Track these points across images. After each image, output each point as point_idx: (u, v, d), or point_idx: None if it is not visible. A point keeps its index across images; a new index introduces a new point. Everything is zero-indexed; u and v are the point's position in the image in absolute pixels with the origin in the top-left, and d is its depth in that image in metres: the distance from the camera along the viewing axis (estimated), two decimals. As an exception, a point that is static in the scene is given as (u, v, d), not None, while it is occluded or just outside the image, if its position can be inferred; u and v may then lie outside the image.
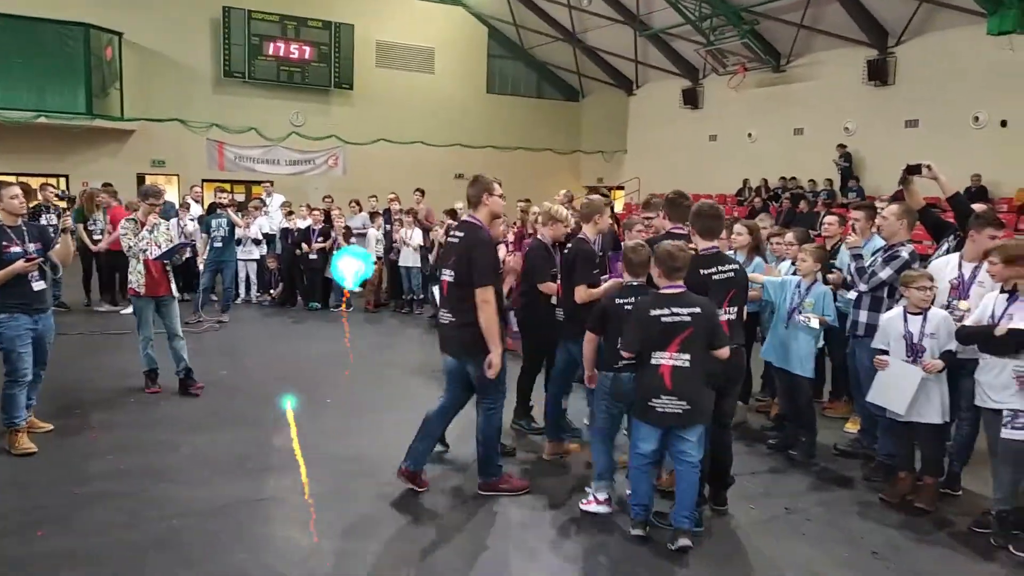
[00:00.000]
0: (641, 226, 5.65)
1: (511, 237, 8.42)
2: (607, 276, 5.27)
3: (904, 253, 4.97)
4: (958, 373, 4.56)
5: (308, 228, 11.40)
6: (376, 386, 7.26)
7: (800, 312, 5.28)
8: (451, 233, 4.65)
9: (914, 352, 4.54)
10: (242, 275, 11.72)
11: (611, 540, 4.12)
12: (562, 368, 5.25)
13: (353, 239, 11.32)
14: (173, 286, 6.63)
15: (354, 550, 3.93)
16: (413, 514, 4.39)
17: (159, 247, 6.50)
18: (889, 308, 4.90)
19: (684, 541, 3.94)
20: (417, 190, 12.52)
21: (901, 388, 4.55)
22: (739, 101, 20.02)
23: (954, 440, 4.82)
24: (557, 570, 3.83)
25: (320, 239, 11.27)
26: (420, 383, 7.28)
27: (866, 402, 4.94)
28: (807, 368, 5.30)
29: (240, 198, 16.83)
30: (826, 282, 5.55)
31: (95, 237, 10.25)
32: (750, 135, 20.24)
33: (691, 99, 21.67)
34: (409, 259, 11.16)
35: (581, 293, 4.88)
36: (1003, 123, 14.81)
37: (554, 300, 5.37)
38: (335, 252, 10.73)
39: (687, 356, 3.95)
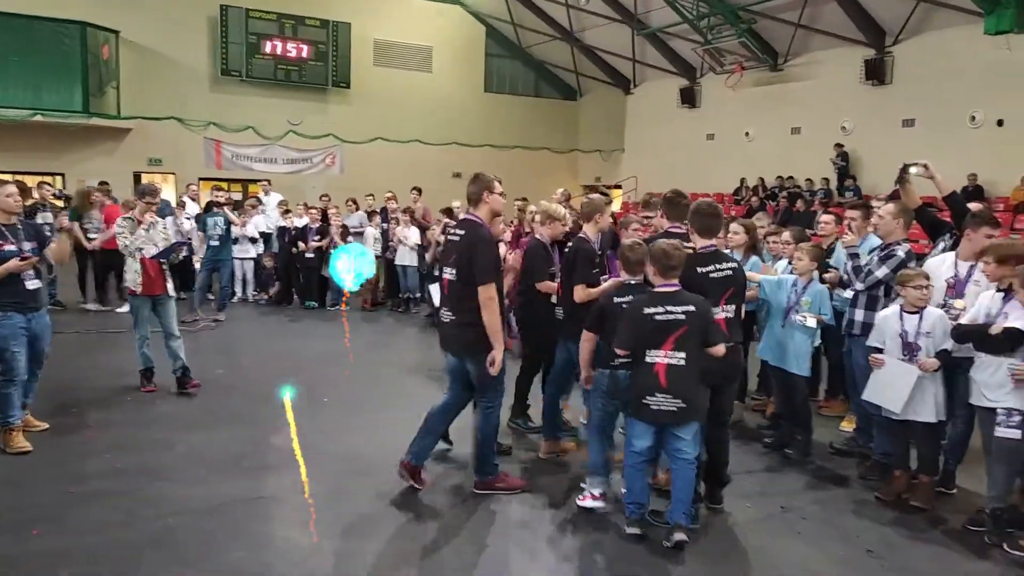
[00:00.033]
0: (638, 224, 5.65)
1: (508, 236, 8.42)
2: (607, 276, 5.27)
3: (900, 252, 4.97)
4: (953, 372, 4.57)
5: (305, 227, 11.39)
6: (373, 385, 7.26)
7: (797, 311, 5.29)
8: (451, 231, 4.64)
9: (910, 351, 4.55)
10: (239, 274, 11.70)
11: (608, 538, 4.12)
12: (561, 367, 5.25)
13: (350, 238, 11.32)
14: (170, 285, 6.61)
15: (352, 549, 3.93)
16: (411, 513, 4.39)
17: (156, 246, 6.48)
18: (885, 307, 4.91)
19: (679, 535, 3.94)
20: (414, 189, 12.51)
21: (897, 387, 4.56)
22: (736, 100, 20.03)
23: (949, 438, 4.83)
24: (555, 568, 3.84)
25: (317, 238, 11.26)
26: (417, 382, 7.28)
27: (862, 401, 4.95)
28: (803, 367, 5.31)
29: (237, 197, 16.80)
30: (823, 281, 5.55)
31: (90, 235, 10.23)
32: (747, 134, 20.25)
33: (688, 98, 21.67)
34: (406, 258, 11.16)
35: (580, 292, 4.88)
36: (999, 122, 14.82)
37: (554, 299, 5.37)
38: (333, 251, 10.72)
39: (682, 354, 3.96)
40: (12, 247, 5.06)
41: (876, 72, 16.68)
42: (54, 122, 17.86)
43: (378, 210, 12.32)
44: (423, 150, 22.72)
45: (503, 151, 23.69)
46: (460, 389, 4.68)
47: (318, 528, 4.17)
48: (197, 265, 10.60)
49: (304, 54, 21.25)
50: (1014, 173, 14.35)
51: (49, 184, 10.96)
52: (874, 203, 6.25)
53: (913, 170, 5.24)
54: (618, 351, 4.14)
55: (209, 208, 11.06)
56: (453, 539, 4.10)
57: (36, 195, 9.99)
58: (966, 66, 15.01)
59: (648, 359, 4.01)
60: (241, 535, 4.04)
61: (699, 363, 4.01)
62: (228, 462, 5.04)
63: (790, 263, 5.74)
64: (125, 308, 8.90)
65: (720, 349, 4.03)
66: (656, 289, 4.08)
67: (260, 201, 12.63)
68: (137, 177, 19.16)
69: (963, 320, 4.41)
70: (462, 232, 4.47)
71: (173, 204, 12.21)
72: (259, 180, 17.28)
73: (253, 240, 11.58)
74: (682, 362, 3.97)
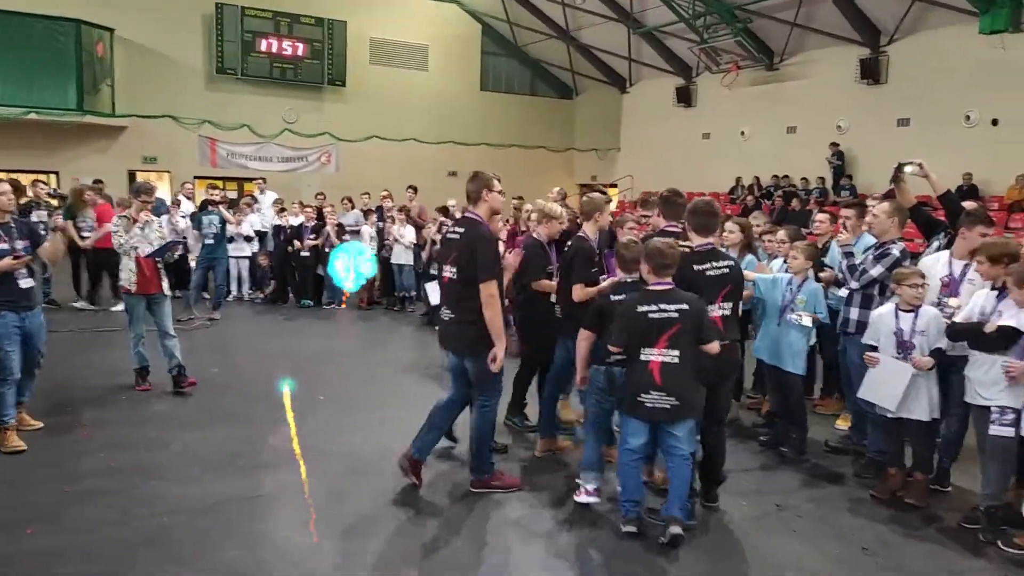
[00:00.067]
0: (633, 223, 5.66)
1: (504, 235, 8.42)
2: (605, 276, 5.27)
3: (895, 251, 4.98)
4: (948, 370, 4.58)
5: (300, 225, 11.37)
6: (369, 384, 7.25)
7: (792, 310, 5.30)
8: (451, 230, 4.64)
9: (904, 349, 4.56)
10: (234, 272, 11.67)
11: (605, 536, 4.13)
12: (561, 366, 5.24)
13: (346, 236, 11.30)
14: (165, 284, 6.60)
15: (351, 548, 3.93)
16: (409, 511, 4.39)
17: (151, 244, 6.47)
18: (880, 305, 4.92)
19: (675, 529, 3.95)
20: (410, 187, 12.50)
21: (891, 385, 4.57)
22: (732, 99, 20.04)
23: (943, 437, 4.85)
24: (552, 567, 3.83)
25: (312, 236, 11.24)
26: (413, 380, 7.28)
27: (857, 399, 4.96)
28: (799, 365, 5.32)
29: (232, 195, 16.75)
30: (818, 279, 5.56)
31: (83, 234, 10.19)
32: (743, 133, 20.27)
33: (684, 97, 21.69)
34: (402, 257, 11.14)
35: (578, 292, 4.87)
36: (994, 122, 14.86)
37: (553, 298, 5.37)
38: (331, 251, 10.69)
39: (676, 352, 3.97)
40: (5, 245, 5.04)
41: (871, 71, 16.71)
42: (48, 120, 17.79)
43: (374, 208, 12.30)
44: (419, 148, 22.70)
45: (499, 150, 23.67)
46: (463, 386, 4.68)
47: (315, 527, 4.16)
48: (192, 264, 10.57)
49: (300, 52, 21.20)
50: (1008, 172, 14.40)
51: (44, 182, 10.93)
52: (869, 202, 6.26)
53: (908, 169, 5.25)
54: (611, 348, 4.15)
55: (204, 206, 11.02)
56: (451, 538, 4.10)
57: (31, 193, 9.96)
58: (961, 65, 15.04)
59: (643, 357, 4.02)
60: (236, 534, 4.03)
61: (693, 361, 4.02)
62: (223, 461, 5.03)
63: (785, 262, 5.75)
64: (120, 307, 8.88)
65: (714, 346, 4.03)
66: (650, 287, 4.09)
67: (255, 199, 12.61)
68: (132, 175, 19.09)
69: (958, 319, 4.43)
70: (462, 230, 4.47)
71: (168, 202, 12.17)
72: (254, 178, 17.20)
73: (248, 239, 11.56)
74: (676, 360, 3.98)
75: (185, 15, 19.96)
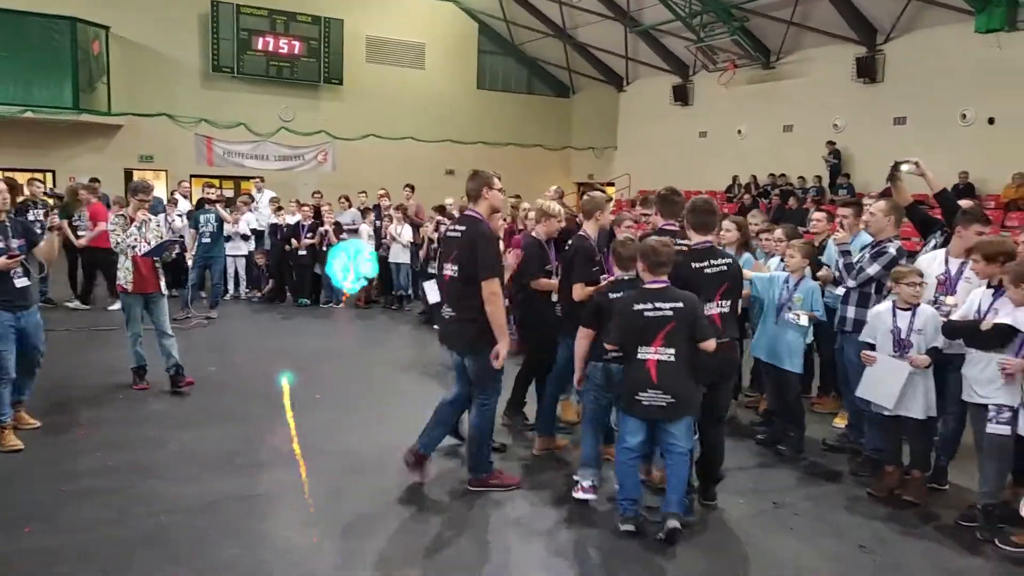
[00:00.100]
0: (631, 221, 5.66)
1: (500, 233, 8.41)
2: (607, 275, 5.27)
3: (891, 249, 4.99)
4: (945, 368, 4.59)
5: (297, 224, 11.36)
6: (367, 382, 7.25)
7: (790, 308, 5.31)
8: (451, 228, 4.64)
9: (901, 347, 4.57)
10: (230, 271, 11.68)
11: (603, 535, 4.13)
12: (562, 365, 5.22)
13: (343, 235, 11.29)
14: (162, 283, 6.58)
15: (349, 547, 3.92)
16: (408, 510, 4.38)
17: (148, 243, 6.45)
18: (876, 304, 4.93)
19: (673, 523, 3.96)
20: (407, 186, 12.50)
21: (889, 383, 4.58)
22: (729, 98, 20.07)
23: (940, 435, 4.86)
24: (550, 565, 3.83)
25: (309, 235, 11.23)
26: (411, 379, 7.28)
27: (854, 396, 4.97)
28: (796, 364, 5.32)
29: (229, 194, 16.74)
30: (815, 278, 5.57)
31: (79, 233, 10.16)
32: (740, 132, 20.30)
33: (681, 95, 21.71)
34: (399, 255, 11.14)
35: (578, 291, 4.87)
36: (990, 120, 14.90)
37: (554, 297, 5.37)
38: (329, 249, 10.66)
39: (672, 350, 3.99)
40: (0, 244, 5.03)
41: (868, 70, 16.75)
42: (44, 118, 17.76)
43: (371, 207, 12.29)
44: (416, 147, 22.70)
45: (496, 148, 23.68)
46: (467, 384, 4.68)
47: (313, 525, 4.16)
48: (189, 262, 10.56)
49: (296, 50, 21.19)
50: (1005, 171, 14.44)
51: (40, 181, 10.90)
52: (866, 200, 6.28)
53: (904, 168, 5.26)
54: (608, 346, 4.16)
55: (201, 205, 11.02)
56: (451, 536, 4.10)
57: (27, 192, 9.93)
58: (957, 64, 15.08)
59: (640, 355, 4.03)
60: (234, 532, 4.03)
61: (690, 359, 4.03)
62: (221, 460, 5.03)
63: (782, 260, 5.75)
64: (116, 306, 8.86)
65: (710, 344, 4.04)
66: (645, 286, 4.11)
67: (252, 198, 12.59)
68: (128, 174, 19.06)
69: (954, 317, 4.44)
70: (463, 228, 4.47)
71: (165, 202, 12.15)
72: (251, 177, 17.23)
73: (245, 237, 11.55)
74: (672, 358, 3.99)
75: (181, 13, 19.94)
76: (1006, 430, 4.09)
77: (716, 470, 4.56)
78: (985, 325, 4.12)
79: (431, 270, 9.79)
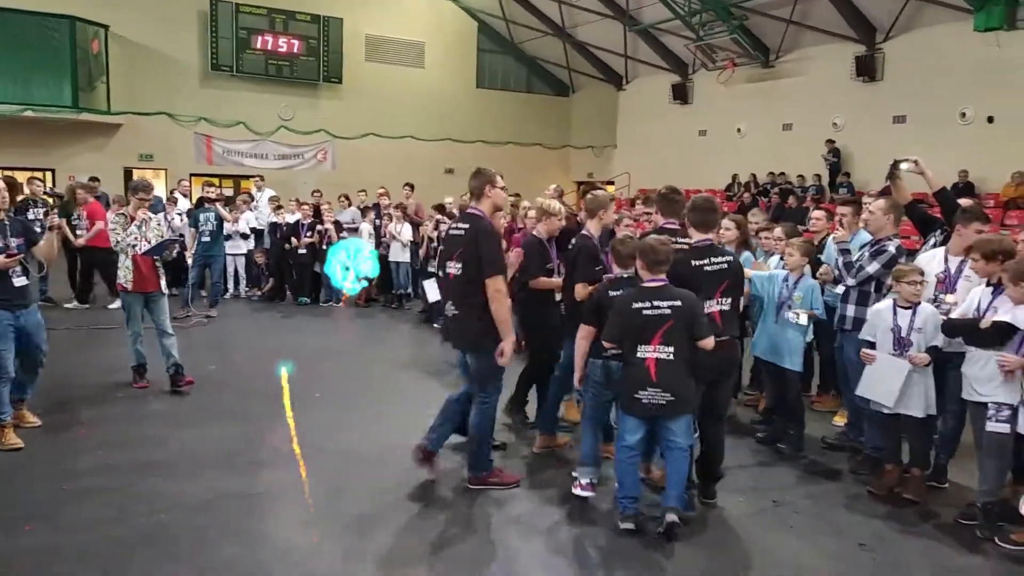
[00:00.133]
0: (630, 220, 5.66)
1: (501, 232, 8.41)
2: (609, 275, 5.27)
3: (891, 247, 4.99)
4: (945, 367, 4.60)
5: (297, 223, 11.36)
6: (366, 381, 7.25)
7: (789, 307, 5.31)
8: (454, 226, 4.64)
9: (901, 346, 4.57)
10: (230, 270, 11.69)
11: (603, 533, 4.13)
12: (567, 364, 5.21)
13: (343, 233, 11.29)
14: (163, 282, 6.58)
15: (348, 544, 3.93)
16: (407, 508, 4.38)
17: (148, 242, 6.45)
18: (876, 302, 4.93)
19: (671, 517, 3.97)
20: (407, 185, 12.49)
21: (888, 381, 4.58)
22: (728, 96, 20.07)
23: (940, 433, 4.86)
24: (550, 563, 3.83)
25: (308, 234, 11.23)
26: (410, 378, 7.28)
27: (854, 395, 4.97)
28: (796, 362, 5.33)
29: (228, 192, 16.74)
30: (815, 277, 5.58)
31: (78, 232, 10.16)
32: (739, 130, 20.30)
33: (680, 94, 21.71)
34: (398, 254, 11.13)
35: (581, 290, 4.87)
36: (990, 119, 14.90)
37: (558, 296, 5.37)
38: (328, 248, 10.65)
39: (670, 349, 3.99)
40: (-2, 243, 5.03)
41: (867, 68, 16.75)
42: (44, 117, 17.75)
43: (371, 206, 12.29)
44: (415, 146, 22.69)
45: (495, 147, 23.67)
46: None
47: (313, 524, 4.16)
48: (190, 261, 10.56)
49: (295, 49, 21.17)
50: (1004, 169, 14.44)
51: (40, 180, 10.90)
52: (865, 199, 6.28)
53: (904, 166, 5.26)
54: (605, 343, 4.17)
55: (200, 204, 11.02)
56: (451, 534, 4.10)
57: (27, 190, 9.93)
58: (956, 63, 15.08)
59: (639, 354, 4.04)
60: (234, 531, 4.03)
61: (688, 357, 4.03)
62: (221, 458, 5.03)
63: (782, 259, 5.76)
64: (116, 304, 8.86)
65: (709, 342, 4.04)
66: (644, 284, 4.11)
67: (252, 197, 12.59)
68: (128, 173, 19.06)
69: (954, 315, 4.45)
70: (466, 226, 4.47)
71: (164, 200, 12.15)
72: (251, 176, 17.23)
73: (245, 236, 11.55)
74: (671, 356, 4.00)
75: (180, 12, 19.93)
76: (1005, 428, 4.10)
77: (716, 468, 4.56)
78: (984, 323, 4.13)
79: (431, 269, 9.80)
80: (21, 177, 11.06)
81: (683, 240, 4.40)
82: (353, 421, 5.92)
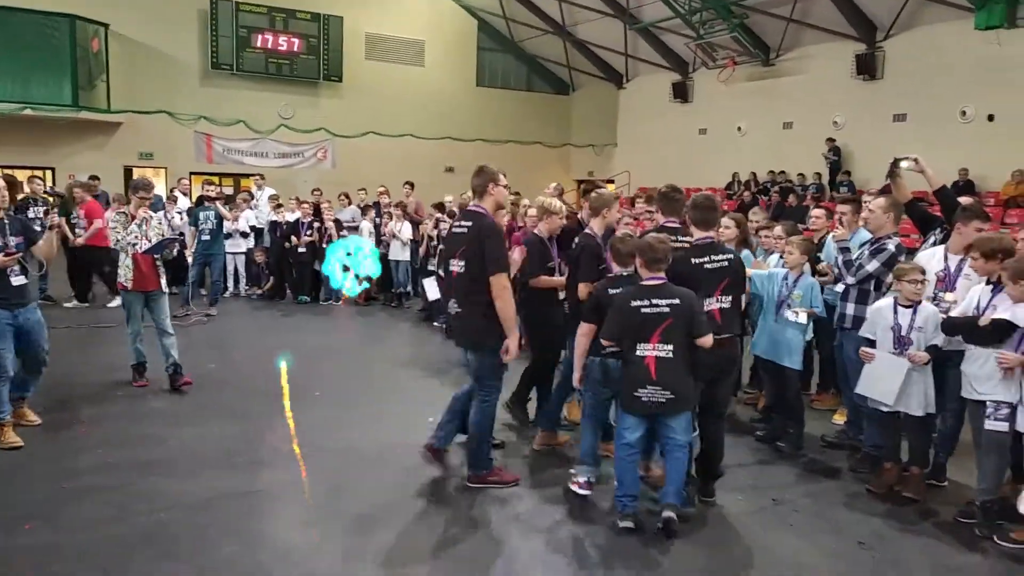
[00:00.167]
0: (630, 219, 5.66)
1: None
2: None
3: (890, 246, 4.99)
4: (944, 365, 4.60)
5: (297, 221, 11.36)
6: (366, 379, 7.25)
7: (789, 305, 5.31)
8: (457, 224, 4.64)
9: (901, 344, 4.58)
10: (230, 268, 11.69)
11: (602, 531, 4.13)
12: (571, 363, 5.22)
13: (343, 232, 11.28)
14: (163, 281, 6.58)
15: (348, 543, 3.93)
16: (408, 506, 4.38)
17: (148, 241, 6.45)
18: (876, 300, 4.93)
19: (669, 513, 3.98)
20: (407, 183, 12.49)
21: (888, 380, 4.58)
22: (728, 95, 20.06)
23: (939, 431, 4.86)
24: (549, 562, 3.84)
25: (308, 232, 11.23)
26: (410, 376, 7.28)
27: (853, 393, 4.98)
28: (795, 360, 5.33)
29: (228, 191, 16.75)
30: (814, 274, 5.58)
31: (77, 231, 10.16)
32: (739, 129, 20.28)
33: (681, 93, 21.70)
34: (398, 253, 11.13)
35: (583, 290, 4.87)
36: (990, 117, 14.90)
37: (561, 295, 5.36)
38: (328, 247, 10.63)
39: (669, 347, 4.00)
40: (-4, 241, 5.03)
41: (867, 67, 16.74)
42: (43, 116, 17.75)
43: (371, 204, 12.29)
44: (415, 144, 22.69)
45: (495, 145, 23.65)
46: None
47: (313, 522, 4.17)
48: (190, 260, 10.56)
49: (295, 48, 21.17)
50: (1004, 168, 14.44)
51: (40, 179, 10.90)
52: (865, 197, 6.28)
53: (904, 164, 5.26)
54: (604, 341, 4.17)
55: (200, 202, 11.02)
56: (451, 533, 4.10)
57: (27, 189, 9.93)
58: (957, 61, 15.07)
59: (638, 352, 4.04)
60: (234, 530, 4.03)
61: (687, 355, 4.04)
62: (220, 457, 5.03)
63: (782, 257, 5.76)
64: (116, 302, 8.86)
65: (707, 340, 4.04)
66: (643, 282, 4.12)
67: (252, 196, 12.58)
68: (128, 171, 19.07)
69: (954, 313, 4.45)
70: (468, 223, 4.47)
71: (164, 199, 12.15)
72: (251, 174, 17.23)
73: (244, 235, 11.55)
74: (670, 354, 4.00)
75: (180, 10, 19.93)
76: (1004, 427, 4.10)
77: (716, 466, 4.56)
78: (984, 321, 4.13)
79: (431, 267, 9.80)
80: (21, 176, 11.07)
81: (683, 239, 4.40)
82: (353, 420, 5.92)
